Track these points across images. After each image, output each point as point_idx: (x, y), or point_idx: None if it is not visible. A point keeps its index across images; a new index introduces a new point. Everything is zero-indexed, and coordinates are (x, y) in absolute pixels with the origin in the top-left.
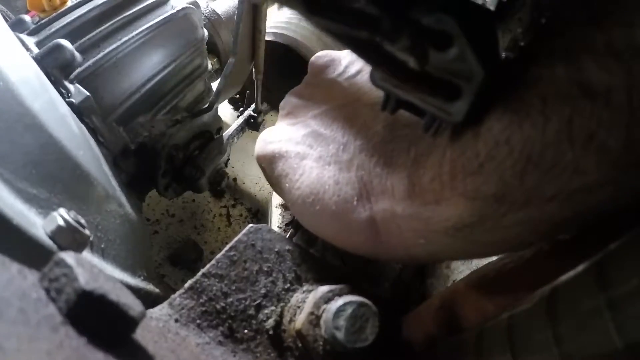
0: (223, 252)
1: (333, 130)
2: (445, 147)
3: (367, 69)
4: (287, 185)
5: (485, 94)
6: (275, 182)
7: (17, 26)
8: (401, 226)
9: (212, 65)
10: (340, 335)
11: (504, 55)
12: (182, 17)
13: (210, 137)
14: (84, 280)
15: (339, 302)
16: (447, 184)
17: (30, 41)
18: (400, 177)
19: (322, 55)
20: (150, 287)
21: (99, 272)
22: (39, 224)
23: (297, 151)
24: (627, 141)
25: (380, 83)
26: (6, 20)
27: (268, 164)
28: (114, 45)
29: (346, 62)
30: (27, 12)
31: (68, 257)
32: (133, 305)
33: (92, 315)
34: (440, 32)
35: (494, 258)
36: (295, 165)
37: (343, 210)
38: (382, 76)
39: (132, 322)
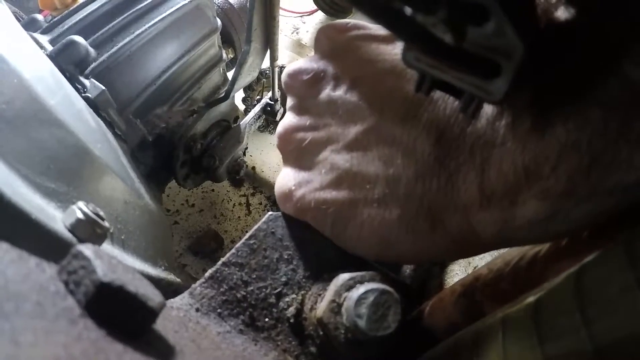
0: (243, 240)
1: (372, 165)
2: (513, 153)
3: (368, 74)
4: (344, 235)
5: (525, 70)
6: (330, 235)
7: (30, 25)
8: (479, 234)
9: (227, 54)
10: (362, 323)
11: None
12: (195, 8)
13: (227, 126)
14: (102, 272)
15: (361, 289)
16: (523, 187)
17: (44, 39)
18: (469, 190)
19: (297, 70)
20: (171, 276)
21: (117, 263)
22: (58, 218)
23: (342, 201)
24: None
25: (414, 63)
26: (19, 21)
27: (312, 219)
28: (127, 39)
29: (331, 75)
30: (39, 11)
31: (86, 249)
32: (152, 295)
33: (111, 307)
34: (475, 5)
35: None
36: (348, 215)
37: (421, 245)
38: (415, 56)
39: (151, 313)
